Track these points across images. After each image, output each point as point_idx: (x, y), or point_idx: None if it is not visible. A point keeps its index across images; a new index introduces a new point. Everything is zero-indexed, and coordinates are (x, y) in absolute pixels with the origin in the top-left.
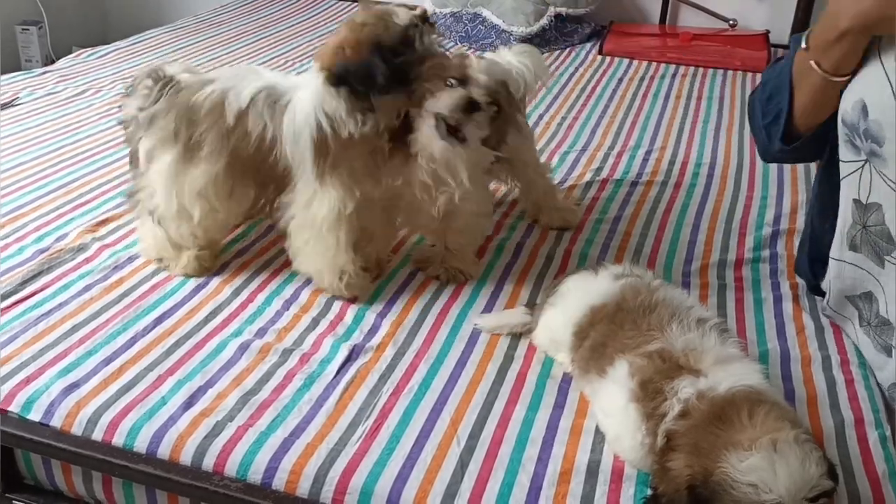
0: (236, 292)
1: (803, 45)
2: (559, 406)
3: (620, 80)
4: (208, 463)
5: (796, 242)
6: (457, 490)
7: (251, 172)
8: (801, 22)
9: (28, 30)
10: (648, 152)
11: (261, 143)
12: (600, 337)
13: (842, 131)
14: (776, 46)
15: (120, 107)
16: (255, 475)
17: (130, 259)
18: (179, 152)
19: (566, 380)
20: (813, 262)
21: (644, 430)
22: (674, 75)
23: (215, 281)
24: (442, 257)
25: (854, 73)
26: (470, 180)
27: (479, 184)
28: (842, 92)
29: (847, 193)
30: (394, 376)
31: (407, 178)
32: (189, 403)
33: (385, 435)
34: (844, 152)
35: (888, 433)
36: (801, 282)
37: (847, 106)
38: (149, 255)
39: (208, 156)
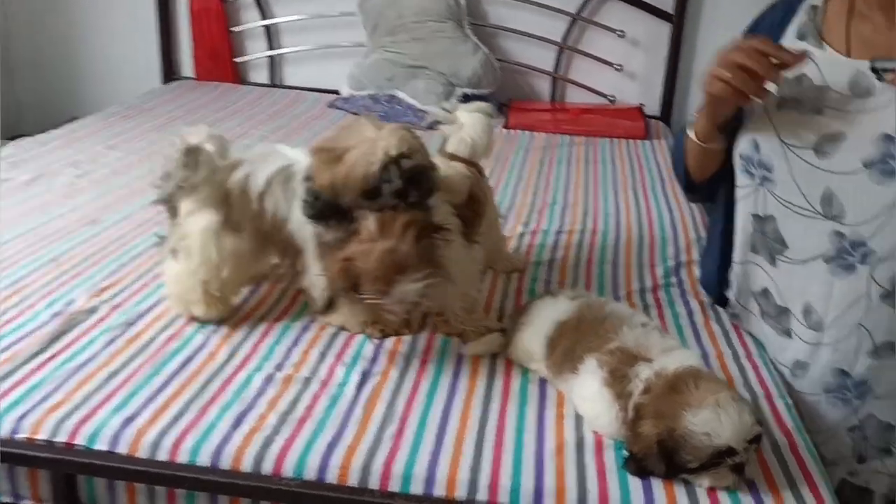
0: (246, 337)
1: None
2: (542, 401)
3: (527, 149)
4: (267, 468)
5: (695, 271)
6: (479, 463)
7: (274, 244)
8: (668, 95)
9: None
10: (564, 207)
11: (276, 221)
12: (569, 343)
13: (739, 163)
14: (650, 117)
15: (164, 176)
16: (311, 473)
17: (141, 316)
18: (220, 220)
19: (542, 382)
20: (721, 273)
21: (617, 407)
22: (570, 144)
23: (224, 329)
24: (455, 319)
25: (730, 139)
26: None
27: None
28: (719, 154)
29: (744, 209)
30: (403, 392)
31: None
32: (236, 424)
33: (410, 433)
34: (741, 179)
35: (790, 402)
36: (706, 299)
37: (744, 143)
38: (173, 303)
39: (243, 232)
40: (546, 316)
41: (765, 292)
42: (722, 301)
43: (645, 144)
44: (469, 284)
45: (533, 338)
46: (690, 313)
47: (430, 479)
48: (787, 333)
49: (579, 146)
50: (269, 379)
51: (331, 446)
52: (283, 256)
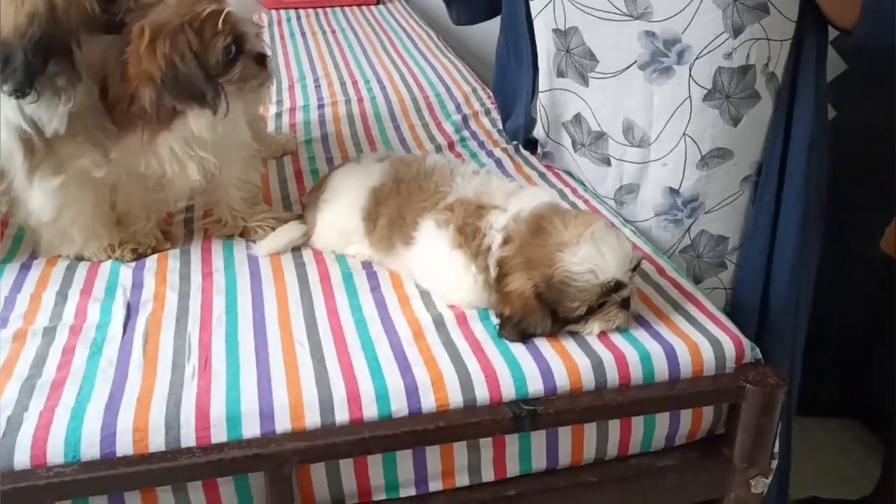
0: None
1: None
2: (375, 287)
3: None
4: (22, 460)
5: (483, 121)
6: (326, 376)
7: None
8: None
9: None
10: (316, 80)
11: None
12: (393, 210)
13: None
14: None
15: None
16: (91, 450)
17: None
18: None
19: (367, 266)
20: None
21: (475, 269)
22: (298, 18)
23: None
24: (233, 215)
25: None
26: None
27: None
28: None
29: (543, 26)
30: (192, 315)
31: (148, 152)
32: None
33: (220, 364)
34: None
35: (633, 227)
36: (508, 146)
37: None
38: None
39: None
40: (354, 186)
41: (577, 118)
42: (530, 145)
43: (380, 9)
44: (246, 170)
45: (344, 215)
46: (499, 162)
47: (266, 413)
48: (606, 161)
49: (308, 18)
50: None
51: (111, 407)
52: None
